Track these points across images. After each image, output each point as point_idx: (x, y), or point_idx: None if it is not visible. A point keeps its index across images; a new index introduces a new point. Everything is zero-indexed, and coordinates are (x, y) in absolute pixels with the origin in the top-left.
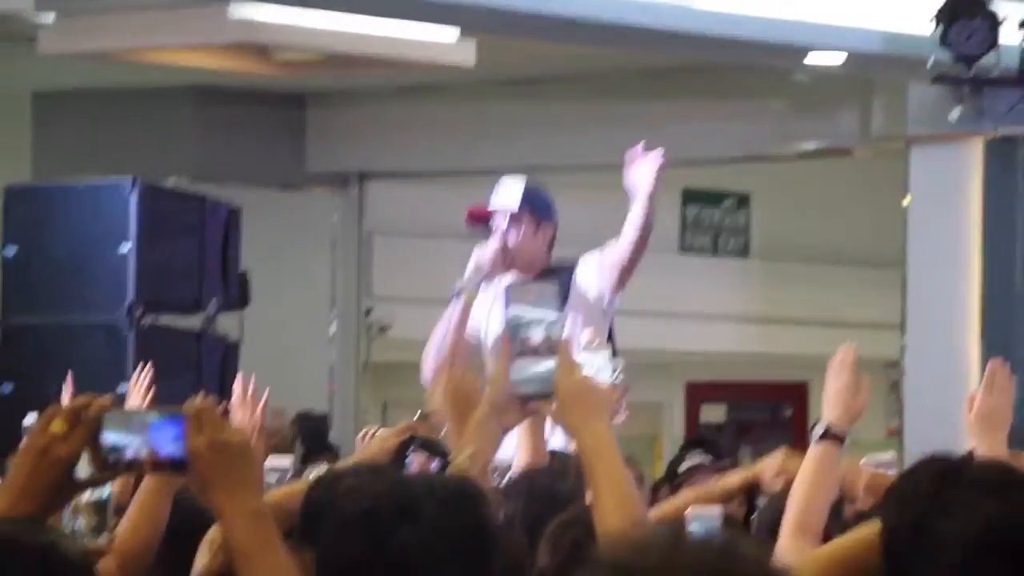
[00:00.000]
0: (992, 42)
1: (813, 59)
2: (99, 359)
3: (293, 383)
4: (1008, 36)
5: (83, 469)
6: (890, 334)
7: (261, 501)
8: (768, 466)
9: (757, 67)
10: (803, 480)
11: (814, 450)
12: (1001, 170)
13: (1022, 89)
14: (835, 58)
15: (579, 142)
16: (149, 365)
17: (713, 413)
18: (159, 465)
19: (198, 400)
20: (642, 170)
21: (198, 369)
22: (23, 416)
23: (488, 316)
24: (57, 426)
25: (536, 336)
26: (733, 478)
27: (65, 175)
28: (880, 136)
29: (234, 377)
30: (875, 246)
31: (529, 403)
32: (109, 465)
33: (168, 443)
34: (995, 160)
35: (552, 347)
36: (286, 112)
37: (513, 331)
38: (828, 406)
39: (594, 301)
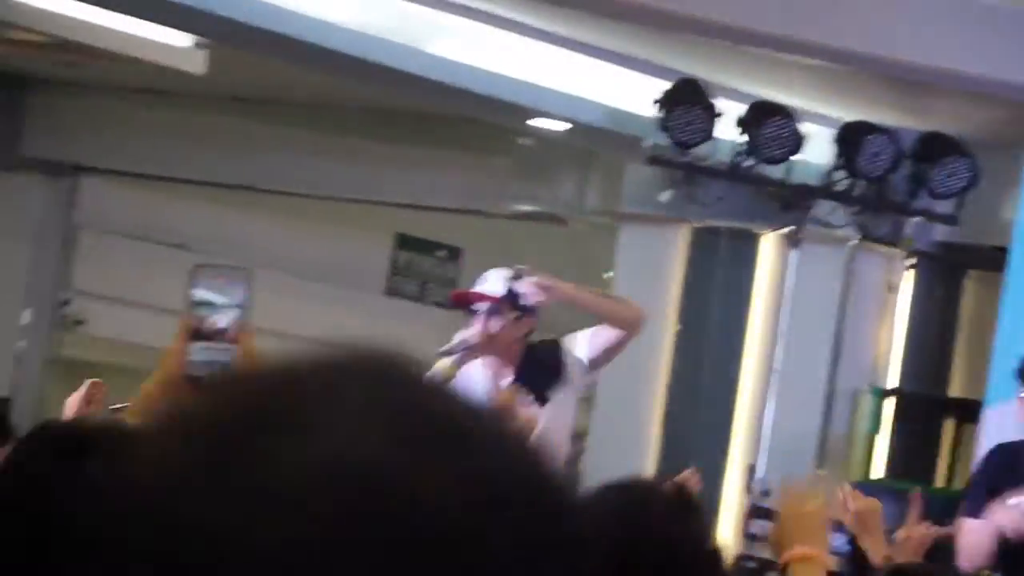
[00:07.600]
0: (708, 133)
1: (538, 123)
2: None
3: None
4: (724, 131)
5: None
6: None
7: None
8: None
9: (482, 124)
10: None
11: None
12: (703, 258)
13: (730, 182)
14: (558, 125)
15: (297, 168)
16: None
17: None
18: None
19: None
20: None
21: None
22: None
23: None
24: None
25: (222, 321)
26: None
27: None
28: (594, 209)
29: None
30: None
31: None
32: None
33: None
34: (699, 247)
35: (235, 335)
36: (4, 92)
37: (199, 312)
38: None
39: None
